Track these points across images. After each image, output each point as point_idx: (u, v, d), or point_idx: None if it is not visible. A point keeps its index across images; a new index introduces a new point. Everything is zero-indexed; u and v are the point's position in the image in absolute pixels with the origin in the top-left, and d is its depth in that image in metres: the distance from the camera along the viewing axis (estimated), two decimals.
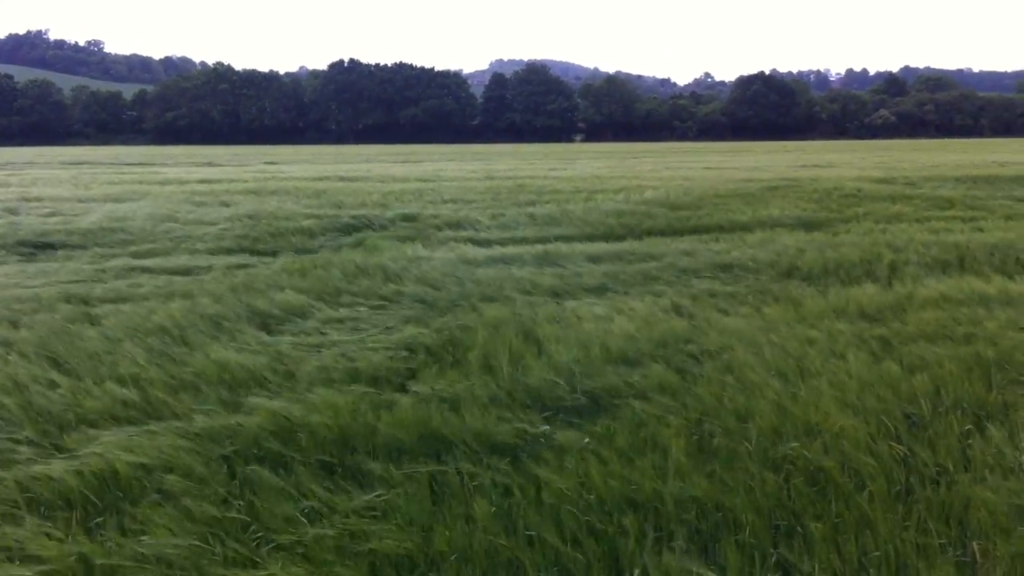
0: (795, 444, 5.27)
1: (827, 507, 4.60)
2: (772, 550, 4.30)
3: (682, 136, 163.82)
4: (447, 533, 4.39)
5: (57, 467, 5.15)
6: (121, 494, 4.95)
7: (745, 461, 5.12)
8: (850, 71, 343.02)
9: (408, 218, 19.19)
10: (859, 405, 5.94)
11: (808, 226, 17.32)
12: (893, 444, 5.28)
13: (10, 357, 7.45)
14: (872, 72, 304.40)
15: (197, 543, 4.33)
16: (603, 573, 4.18)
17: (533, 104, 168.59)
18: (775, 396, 6.12)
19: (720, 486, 4.76)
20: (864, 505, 4.56)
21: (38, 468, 5.19)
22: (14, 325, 8.86)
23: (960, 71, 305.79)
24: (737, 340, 7.79)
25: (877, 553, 4.22)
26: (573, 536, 4.41)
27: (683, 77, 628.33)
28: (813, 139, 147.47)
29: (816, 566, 4.14)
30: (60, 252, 15.09)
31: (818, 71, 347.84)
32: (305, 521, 4.60)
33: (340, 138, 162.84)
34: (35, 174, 40.05)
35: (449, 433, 5.66)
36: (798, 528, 4.46)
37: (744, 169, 38.73)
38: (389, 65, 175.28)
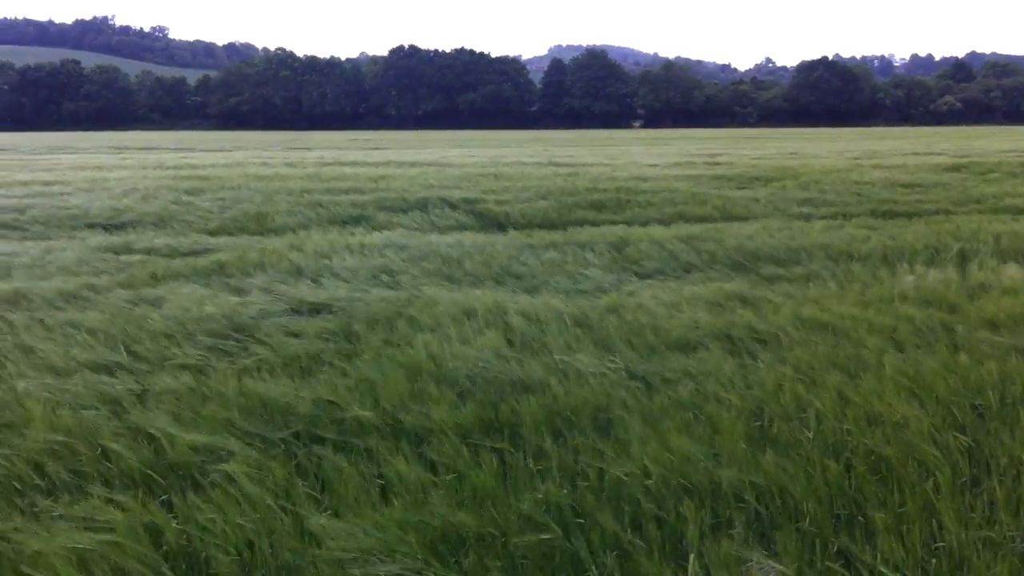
0: (856, 433, 5.20)
1: (889, 497, 4.53)
2: (833, 539, 4.25)
3: (742, 122, 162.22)
4: (513, 509, 4.40)
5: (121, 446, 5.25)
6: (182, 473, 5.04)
7: (805, 449, 5.07)
8: (915, 56, 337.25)
9: (469, 202, 19.26)
10: (924, 394, 5.84)
11: (873, 214, 17.11)
12: (958, 435, 5.19)
13: (79, 338, 7.60)
14: (937, 57, 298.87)
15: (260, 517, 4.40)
16: (663, 559, 4.16)
17: (592, 90, 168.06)
18: (836, 383, 6.05)
19: (780, 473, 4.72)
20: (929, 495, 4.49)
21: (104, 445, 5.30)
22: (82, 307, 9.03)
23: None
24: (799, 325, 7.72)
25: (942, 544, 4.16)
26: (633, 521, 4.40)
27: (744, 62, 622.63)
28: (876, 125, 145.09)
29: (878, 556, 4.08)
30: (132, 232, 15.39)
31: (882, 56, 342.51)
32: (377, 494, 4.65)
33: (400, 124, 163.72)
34: (102, 159, 40.83)
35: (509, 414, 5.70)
36: (859, 517, 4.40)
37: (804, 156, 38.24)
38: (448, 51, 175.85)
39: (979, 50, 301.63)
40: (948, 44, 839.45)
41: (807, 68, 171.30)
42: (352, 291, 9.46)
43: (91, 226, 16.14)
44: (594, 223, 16.03)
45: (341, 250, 12.28)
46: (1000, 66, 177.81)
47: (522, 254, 12.17)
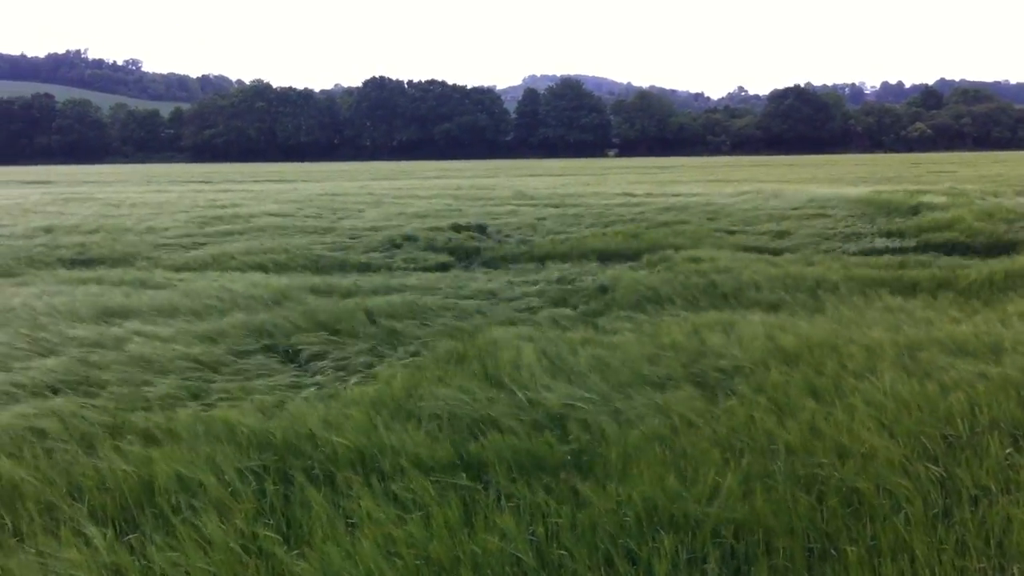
0: (828, 465, 5.19)
1: (862, 530, 4.52)
2: (806, 574, 4.23)
3: (716, 150, 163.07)
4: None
5: None
6: None
7: (777, 481, 5.05)
8: (885, 84, 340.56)
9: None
10: (895, 425, 5.85)
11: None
12: (929, 465, 5.19)
13: None
14: (908, 85, 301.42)
15: None
16: None
17: (566, 119, 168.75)
18: (808, 416, 6.05)
19: (753, 507, 4.69)
20: (901, 528, 4.48)
21: None
22: None
23: (997, 83, 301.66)
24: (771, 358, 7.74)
25: None
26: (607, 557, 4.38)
27: (717, 91, 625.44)
28: (848, 152, 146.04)
29: None
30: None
31: (853, 84, 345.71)
32: None
33: (375, 154, 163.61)
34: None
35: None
36: (832, 551, 4.38)
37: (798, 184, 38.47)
38: (422, 82, 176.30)
39: (949, 77, 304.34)
40: (918, 71, 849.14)
41: (779, 96, 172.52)
42: None
43: None
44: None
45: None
46: (970, 92, 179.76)
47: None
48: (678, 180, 45.92)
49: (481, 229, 20.02)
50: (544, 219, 21.83)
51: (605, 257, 15.91)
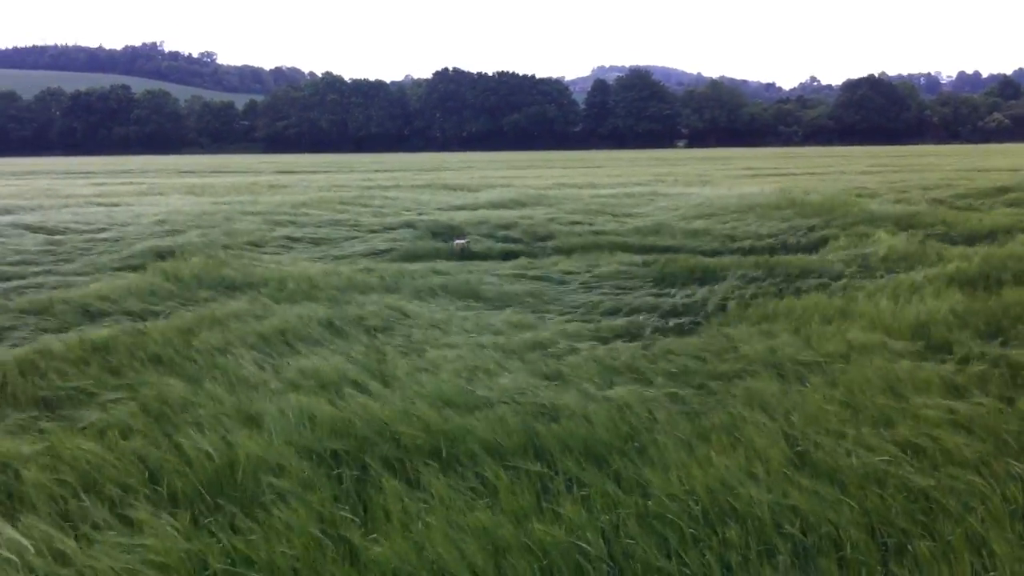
0: (901, 460, 5.14)
1: (937, 526, 4.46)
2: (879, 567, 4.20)
3: (787, 141, 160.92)
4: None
5: None
6: None
7: (848, 475, 5.01)
8: (962, 73, 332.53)
9: None
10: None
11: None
12: (1012, 462, 5.10)
13: None
14: (985, 75, 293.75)
15: None
16: None
17: (635, 110, 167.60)
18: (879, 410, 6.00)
19: (822, 500, 4.66)
20: (977, 524, 4.42)
21: None
22: None
23: None
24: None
25: (993, 574, 4.09)
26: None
27: (788, 81, 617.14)
28: (924, 143, 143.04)
29: None
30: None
31: (928, 74, 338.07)
32: None
33: (445, 145, 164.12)
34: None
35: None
36: (908, 547, 4.33)
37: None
38: (491, 74, 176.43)
39: None
40: (995, 61, 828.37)
41: (852, 86, 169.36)
42: None
43: None
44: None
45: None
46: None
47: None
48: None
49: None
50: None
51: None
